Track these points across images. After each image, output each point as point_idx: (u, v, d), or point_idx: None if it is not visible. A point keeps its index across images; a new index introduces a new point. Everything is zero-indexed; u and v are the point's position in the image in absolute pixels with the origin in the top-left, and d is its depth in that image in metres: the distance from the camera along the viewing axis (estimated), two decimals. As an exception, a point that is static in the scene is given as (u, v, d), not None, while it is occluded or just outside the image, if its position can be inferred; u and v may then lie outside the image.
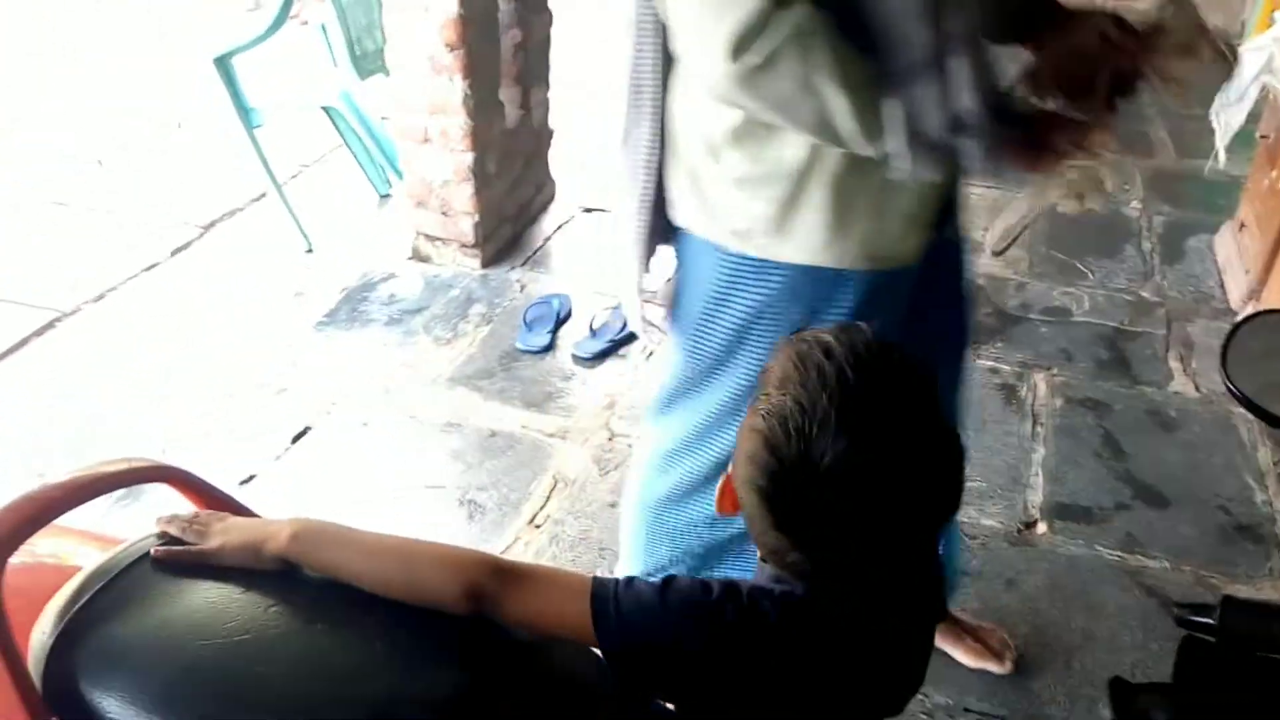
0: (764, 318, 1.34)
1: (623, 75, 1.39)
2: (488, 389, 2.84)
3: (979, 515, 2.38)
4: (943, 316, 1.55)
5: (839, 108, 1.11)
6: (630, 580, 0.89)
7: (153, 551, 0.94)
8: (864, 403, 0.78)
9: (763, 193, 1.26)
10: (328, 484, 2.49)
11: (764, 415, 0.82)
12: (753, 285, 1.33)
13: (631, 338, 3.02)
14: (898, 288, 1.34)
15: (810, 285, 1.30)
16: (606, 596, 0.87)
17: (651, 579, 0.89)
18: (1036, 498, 2.46)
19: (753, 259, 1.31)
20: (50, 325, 3.16)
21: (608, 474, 2.53)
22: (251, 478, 2.49)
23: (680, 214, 1.40)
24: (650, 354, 2.94)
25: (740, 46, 1.09)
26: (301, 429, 2.66)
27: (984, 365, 2.94)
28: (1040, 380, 2.89)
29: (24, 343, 3.07)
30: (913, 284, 1.37)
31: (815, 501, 0.80)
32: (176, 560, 0.94)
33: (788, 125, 1.18)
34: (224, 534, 0.96)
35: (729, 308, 1.37)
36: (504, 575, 0.90)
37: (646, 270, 1.50)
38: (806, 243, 1.27)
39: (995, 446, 2.62)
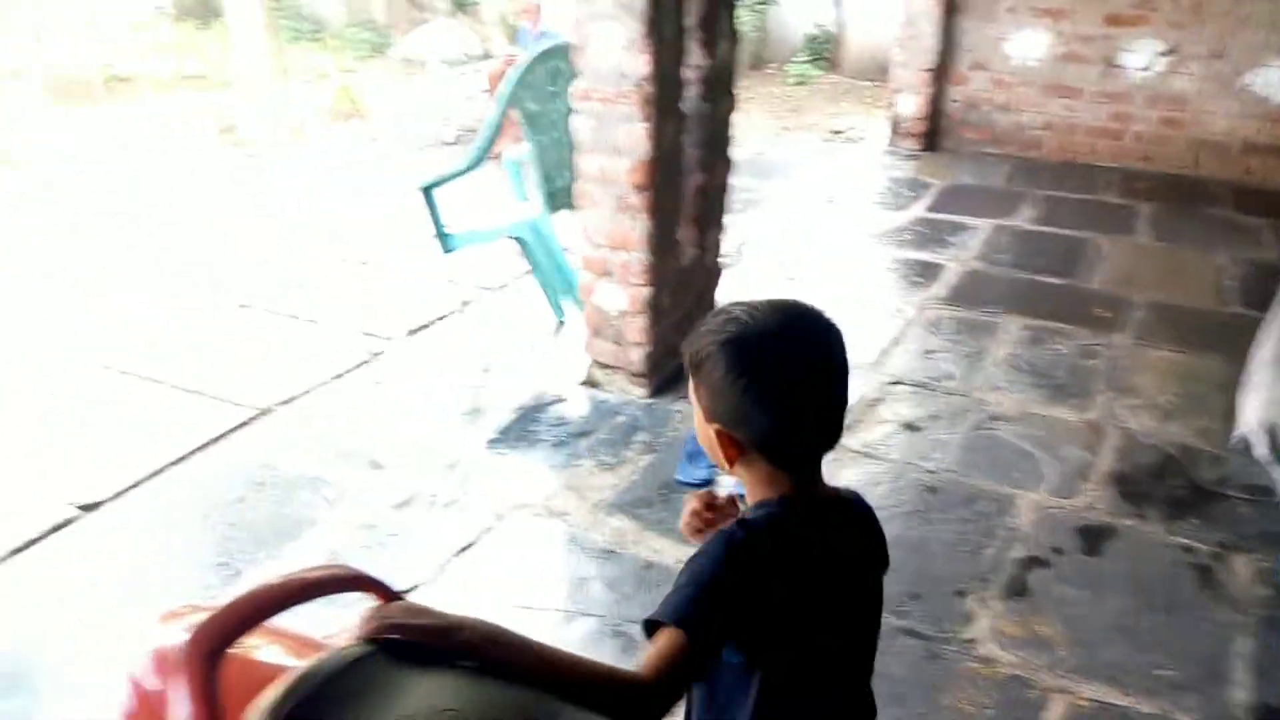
0: None
1: None
2: (646, 518, 2.84)
3: (1172, 708, 2.18)
4: None
5: None
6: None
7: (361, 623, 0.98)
8: (785, 304, 1.15)
9: None
10: (487, 599, 2.51)
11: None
12: None
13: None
14: None
15: None
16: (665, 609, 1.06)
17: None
18: (1242, 696, 2.22)
19: None
20: (246, 423, 3.39)
21: (764, 619, 2.45)
22: (414, 587, 2.54)
23: None
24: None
25: None
26: (466, 543, 2.72)
27: (1176, 542, 2.74)
28: (1241, 565, 2.65)
29: (223, 436, 3.30)
30: None
31: (765, 350, 1.11)
32: (370, 632, 0.99)
33: None
34: (409, 613, 1.03)
35: None
36: (643, 683, 1.02)
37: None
38: None
39: (1189, 633, 2.40)
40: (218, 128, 7.36)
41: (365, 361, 3.77)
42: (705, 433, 1.17)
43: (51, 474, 3.08)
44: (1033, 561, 2.66)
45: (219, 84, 8.70)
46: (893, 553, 1.28)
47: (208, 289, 4.51)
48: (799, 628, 1.12)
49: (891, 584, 1.26)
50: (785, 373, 1.11)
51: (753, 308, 1.14)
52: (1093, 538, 2.76)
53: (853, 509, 1.25)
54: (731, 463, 1.17)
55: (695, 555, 1.11)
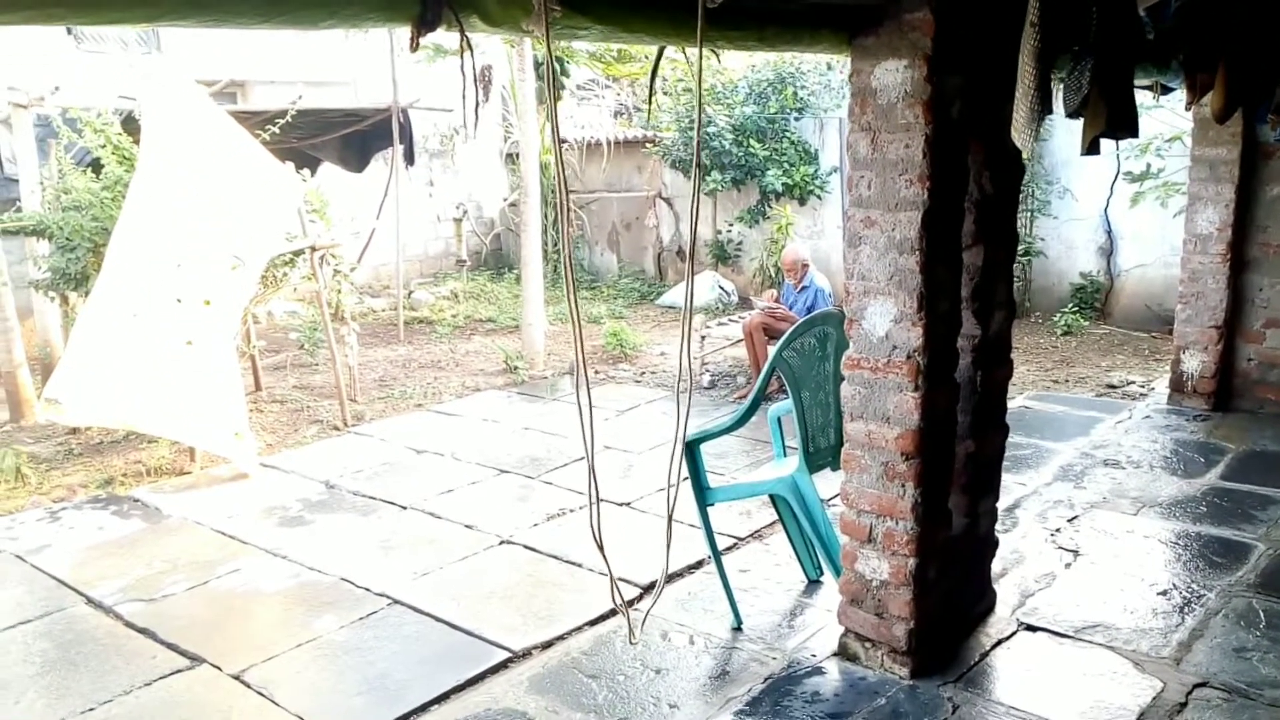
0: None
1: None
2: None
3: None
4: None
5: None
6: None
7: None
8: None
9: None
10: None
11: None
12: None
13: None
14: None
15: None
16: None
17: None
18: None
19: None
20: (504, 665, 3.46)
21: None
22: None
23: None
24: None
25: None
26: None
27: None
28: None
29: (480, 678, 3.38)
30: None
31: None
32: None
33: None
34: None
35: None
36: None
37: None
38: None
39: None
40: (501, 365, 8.05)
41: (619, 609, 3.78)
42: None
43: (317, 697, 3.25)
44: None
45: (507, 327, 9.62)
46: None
47: (470, 518, 4.78)
48: None
49: None
50: None
51: None
52: None
53: None
54: None
55: None
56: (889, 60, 2.88)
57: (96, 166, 6.31)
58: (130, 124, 6.34)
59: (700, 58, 2.20)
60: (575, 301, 2.33)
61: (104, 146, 6.14)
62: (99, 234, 5.83)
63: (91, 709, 3.28)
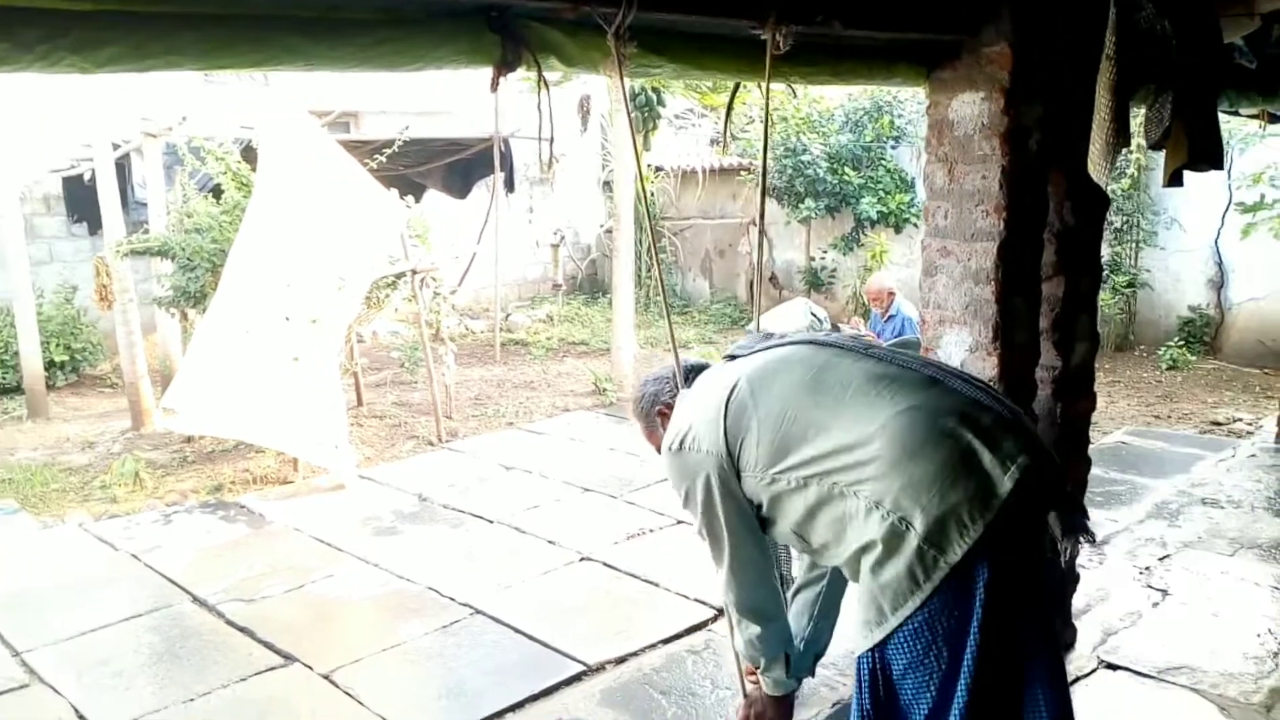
0: None
1: None
2: None
3: None
4: None
5: None
6: None
7: None
8: None
9: None
10: None
11: None
12: None
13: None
14: None
15: None
16: None
17: None
18: None
19: None
20: (577, 678, 3.55)
21: None
22: None
23: None
24: None
25: None
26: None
27: None
28: None
29: (554, 689, 3.47)
30: None
31: None
32: None
33: None
34: None
35: None
36: None
37: None
38: None
39: None
40: (591, 387, 8.21)
41: (694, 627, 3.85)
42: None
43: (403, 699, 3.40)
44: None
45: (598, 350, 9.80)
46: None
47: (553, 534, 4.90)
48: None
49: None
50: None
51: None
52: None
53: None
54: None
55: None
56: (966, 93, 2.90)
57: (217, 192, 6.73)
58: (249, 153, 6.75)
59: (768, 94, 2.28)
60: (670, 320, 2.43)
61: (224, 174, 6.55)
62: (217, 255, 6.21)
63: (192, 699, 3.49)
